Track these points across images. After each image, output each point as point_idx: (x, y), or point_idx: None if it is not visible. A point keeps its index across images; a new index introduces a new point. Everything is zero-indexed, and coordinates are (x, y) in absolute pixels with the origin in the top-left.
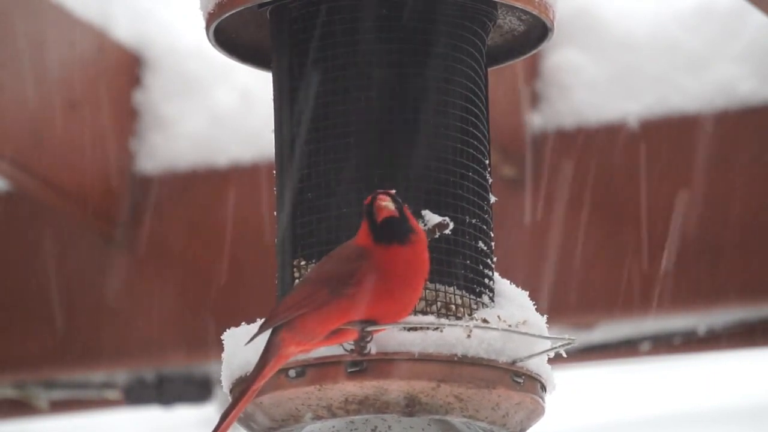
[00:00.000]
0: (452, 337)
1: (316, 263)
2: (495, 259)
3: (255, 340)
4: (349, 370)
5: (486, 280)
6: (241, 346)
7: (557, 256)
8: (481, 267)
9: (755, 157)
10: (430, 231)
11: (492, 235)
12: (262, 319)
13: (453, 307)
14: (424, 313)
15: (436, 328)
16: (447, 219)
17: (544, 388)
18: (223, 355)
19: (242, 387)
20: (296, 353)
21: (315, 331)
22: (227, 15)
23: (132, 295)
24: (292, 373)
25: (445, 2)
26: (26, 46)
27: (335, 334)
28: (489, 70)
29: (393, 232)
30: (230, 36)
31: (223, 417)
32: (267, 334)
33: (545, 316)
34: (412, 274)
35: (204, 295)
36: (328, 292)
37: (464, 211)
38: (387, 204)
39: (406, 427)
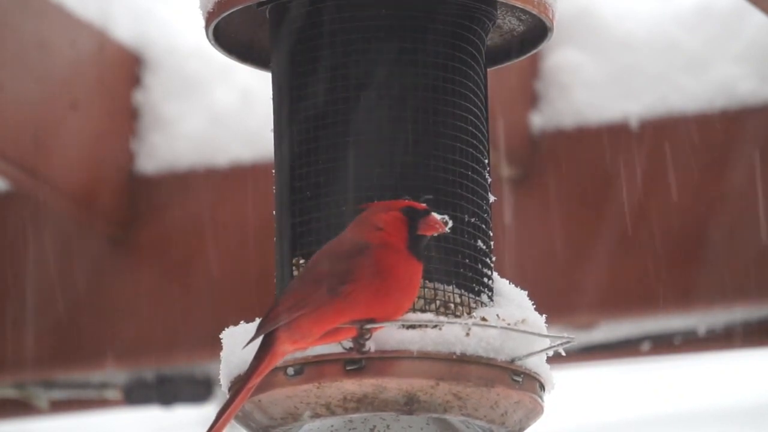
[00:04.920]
0: (451, 335)
1: (310, 260)
2: (494, 258)
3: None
4: (348, 369)
5: (485, 279)
6: (239, 345)
7: (557, 256)
8: (480, 266)
9: (755, 157)
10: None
11: (491, 234)
12: (260, 319)
13: (452, 305)
14: (423, 311)
15: (435, 326)
16: (446, 217)
17: (542, 387)
18: (221, 354)
19: (238, 385)
20: (291, 351)
21: (311, 331)
22: (226, 14)
23: (132, 294)
24: (290, 371)
25: (445, 2)
26: (26, 45)
27: (331, 333)
28: (489, 70)
29: (421, 248)
30: (230, 35)
31: (219, 415)
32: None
33: (544, 315)
34: (409, 279)
35: (204, 295)
36: (326, 292)
37: (463, 210)
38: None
39: (404, 426)
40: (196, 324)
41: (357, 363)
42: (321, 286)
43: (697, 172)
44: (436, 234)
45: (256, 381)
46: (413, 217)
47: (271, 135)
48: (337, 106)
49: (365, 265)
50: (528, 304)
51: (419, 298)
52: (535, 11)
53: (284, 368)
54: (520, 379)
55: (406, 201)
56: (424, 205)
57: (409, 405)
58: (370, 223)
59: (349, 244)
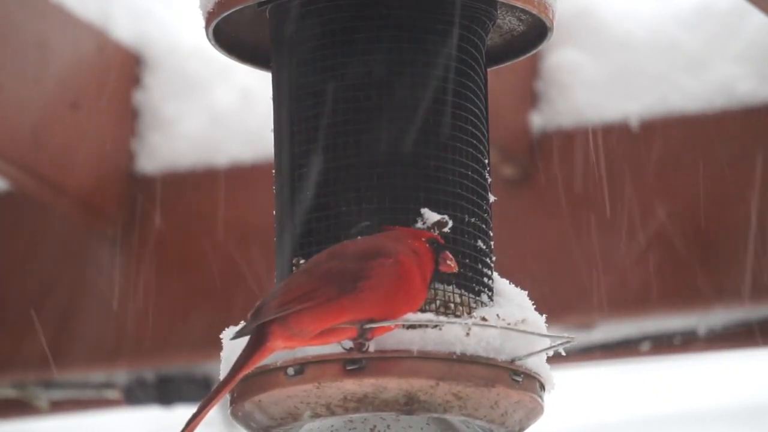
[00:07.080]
0: (451, 335)
1: (315, 258)
2: (494, 258)
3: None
4: (348, 368)
5: (485, 279)
6: (240, 345)
7: (557, 256)
8: (480, 266)
9: (755, 157)
10: (429, 229)
11: (491, 234)
12: (251, 312)
13: (452, 305)
14: (423, 311)
15: (435, 326)
16: (446, 217)
17: (542, 387)
18: (222, 354)
19: (223, 379)
20: (281, 348)
21: (310, 327)
22: (227, 14)
23: (132, 294)
24: (290, 371)
25: (445, 2)
26: (26, 46)
27: (326, 333)
28: (489, 70)
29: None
30: (230, 36)
31: (201, 408)
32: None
33: (544, 315)
34: (417, 291)
35: (204, 295)
36: (336, 288)
37: (464, 210)
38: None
39: (405, 426)
40: (196, 324)
41: (357, 363)
42: (331, 282)
43: (698, 172)
44: (450, 271)
45: (242, 375)
46: (437, 252)
47: (271, 135)
48: (337, 106)
49: (385, 265)
50: (528, 304)
51: None
52: (535, 11)
53: (284, 368)
54: (520, 379)
55: (428, 233)
56: (439, 236)
57: (409, 405)
58: (406, 244)
59: (370, 246)
